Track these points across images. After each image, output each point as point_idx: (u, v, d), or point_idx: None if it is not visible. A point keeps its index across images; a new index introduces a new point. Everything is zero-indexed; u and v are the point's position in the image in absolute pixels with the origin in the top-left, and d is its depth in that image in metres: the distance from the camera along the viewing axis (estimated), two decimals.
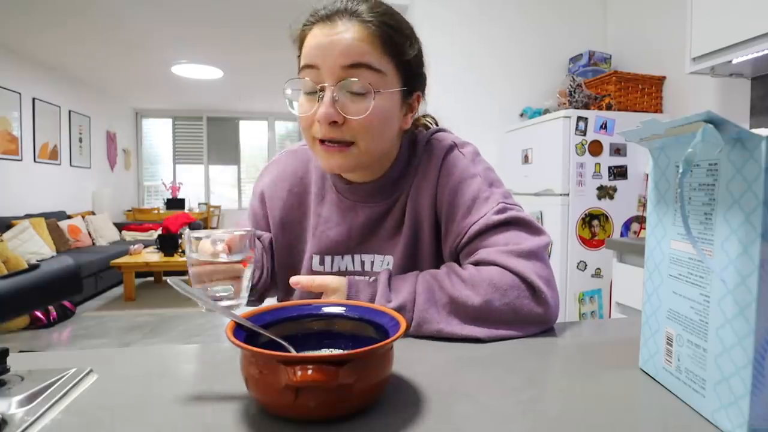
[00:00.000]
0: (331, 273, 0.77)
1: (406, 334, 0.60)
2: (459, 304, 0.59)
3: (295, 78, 0.66)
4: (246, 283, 0.59)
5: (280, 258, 0.81)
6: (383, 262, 0.75)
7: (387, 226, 0.75)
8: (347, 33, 0.62)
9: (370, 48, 0.63)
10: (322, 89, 0.62)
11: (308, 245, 0.78)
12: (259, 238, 0.80)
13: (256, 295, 0.79)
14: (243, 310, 0.49)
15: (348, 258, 0.77)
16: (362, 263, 0.76)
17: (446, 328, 0.59)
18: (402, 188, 0.75)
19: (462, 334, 0.58)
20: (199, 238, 0.57)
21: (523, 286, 0.60)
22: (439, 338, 0.58)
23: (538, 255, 0.64)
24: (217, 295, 0.57)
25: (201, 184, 7.62)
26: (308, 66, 0.64)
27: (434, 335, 0.59)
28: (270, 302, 0.85)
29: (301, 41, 0.67)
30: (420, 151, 0.75)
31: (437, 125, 0.83)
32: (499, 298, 0.59)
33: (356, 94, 0.63)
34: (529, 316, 0.60)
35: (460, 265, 0.67)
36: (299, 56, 0.68)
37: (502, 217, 0.66)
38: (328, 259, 0.77)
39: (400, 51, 0.66)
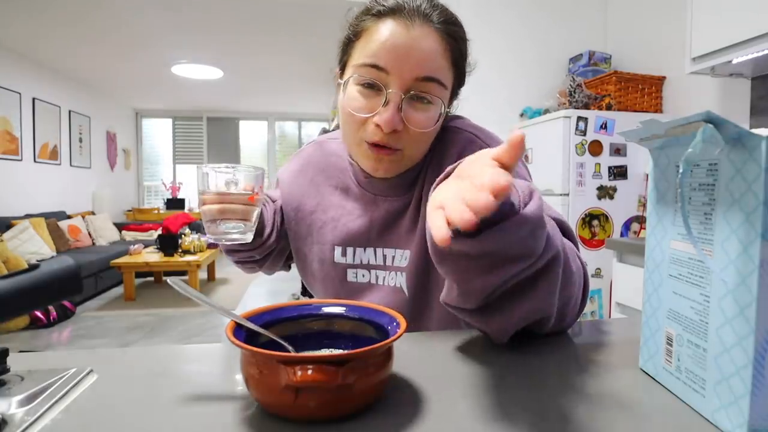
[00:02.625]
0: (353, 264, 0.76)
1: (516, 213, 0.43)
2: (567, 270, 0.50)
3: (358, 75, 0.62)
4: (255, 218, 0.62)
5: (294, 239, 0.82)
6: (403, 257, 0.73)
7: (406, 219, 0.73)
8: (424, 42, 0.60)
9: (443, 63, 0.62)
10: (380, 88, 0.61)
11: (318, 236, 0.78)
12: (273, 201, 0.81)
13: (261, 248, 0.77)
14: (244, 309, 0.49)
15: (370, 251, 0.76)
16: (384, 257, 0.75)
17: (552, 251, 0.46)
18: (421, 181, 0.73)
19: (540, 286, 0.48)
20: (214, 173, 0.61)
21: (582, 283, 0.56)
22: (439, 339, 0.58)
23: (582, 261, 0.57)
24: (227, 230, 0.60)
25: None
26: (376, 66, 0.60)
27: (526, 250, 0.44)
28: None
29: (362, 28, 0.63)
30: (436, 140, 0.71)
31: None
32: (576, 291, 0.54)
33: (421, 105, 0.62)
34: (571, 311, 0.55)
35: None
36: (352, 35, 0.65)
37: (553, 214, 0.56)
38: (350, 250, 0.76)
39: (461, 64, 0.66)
